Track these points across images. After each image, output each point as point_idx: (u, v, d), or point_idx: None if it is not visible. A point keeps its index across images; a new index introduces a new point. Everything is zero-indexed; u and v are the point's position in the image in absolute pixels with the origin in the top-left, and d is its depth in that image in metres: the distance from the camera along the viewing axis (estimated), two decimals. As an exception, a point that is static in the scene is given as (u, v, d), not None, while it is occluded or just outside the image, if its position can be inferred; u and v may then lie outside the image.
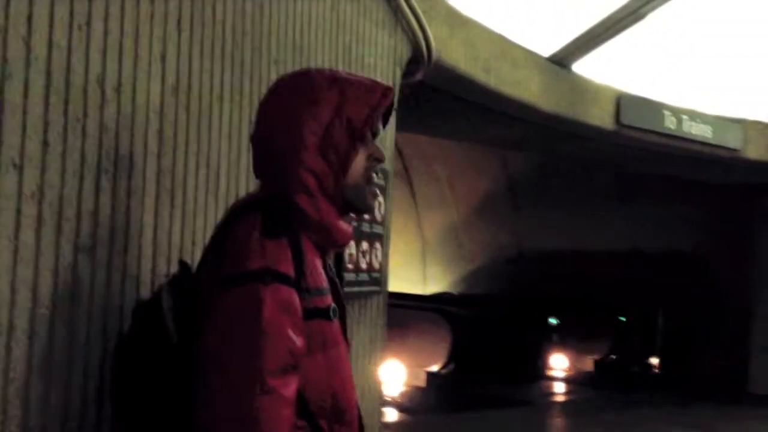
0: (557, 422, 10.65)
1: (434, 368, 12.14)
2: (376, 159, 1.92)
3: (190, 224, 2.59)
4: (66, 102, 1.83)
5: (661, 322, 13.98)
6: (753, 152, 10.08)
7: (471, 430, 8.95)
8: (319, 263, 1.84)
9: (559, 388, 12.93)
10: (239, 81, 3.04)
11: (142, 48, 2.27)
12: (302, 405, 1.73)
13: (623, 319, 14.21)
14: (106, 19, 2.05)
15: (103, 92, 2.03)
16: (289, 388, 1.67)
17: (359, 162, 1.87)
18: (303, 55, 3.73)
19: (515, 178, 15.50)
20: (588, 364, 14.19)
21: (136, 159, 2.23)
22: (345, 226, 1.91)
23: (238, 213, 1.82)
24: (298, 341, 1.69)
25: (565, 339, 13.76)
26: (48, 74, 1.75)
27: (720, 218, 13.13)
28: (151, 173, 2.32)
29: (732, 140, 9.71)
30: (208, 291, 1.74)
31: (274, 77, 3.36)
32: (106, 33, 2.05)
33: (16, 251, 1.62)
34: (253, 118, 3.13)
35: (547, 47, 7.76)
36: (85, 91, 1.93)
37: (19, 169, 1.63)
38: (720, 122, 9.61)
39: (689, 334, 13.30)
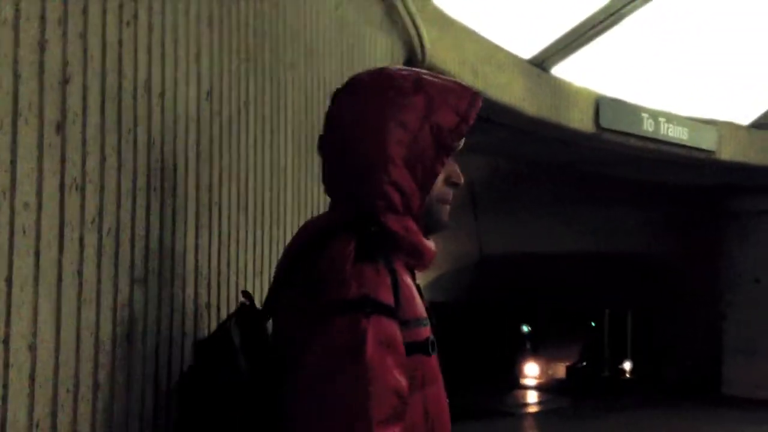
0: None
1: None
2: (453, 183, 1.69)
3: (225, 244, 2.33)
4: (119, 110, 1.56)
5: (631, 326, 13.98)
6: (726, 153, 10.10)
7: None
8: (413, 286, 1.61)
9: (534, 397, 12.82)
10: (261, 86, 2.79)
11: (180, 48, 2.00)
12: None
13: (594, 324, 14.19)
14: (150, 14, 1.79)
15: (149, 98, 1.76)
16: None
17: (438, 181, 1.64)
18: (313, 58, 3.50)
19: (476, 183, 15.39)
20: (560, 370, 14.12)
21: (179, 174, 1.96)
22: (430, 244, 1.67)
23: (324, 235, 1.57)
24: (404, 382, 1.45)
25: (537, 346, 13.67)
26: (103, 77, 1.48)
27: (690, 220, 13.18)
28: (191, 189, 2.05)
29: (707, 142, 9.71)
30: (293, 322, 1.50)
31: (290, 82, 3.13)
32: (150, 30, 1.78)
33: (80, 289, 1.35)
34: (274, 126, 2.93)
35: (527, 50, 7.62)
36: (134, 97, 1.66)
37: (81, 191, 1.35)
38: (695, 124, 9.60)
39: (660, 337, 13.31)
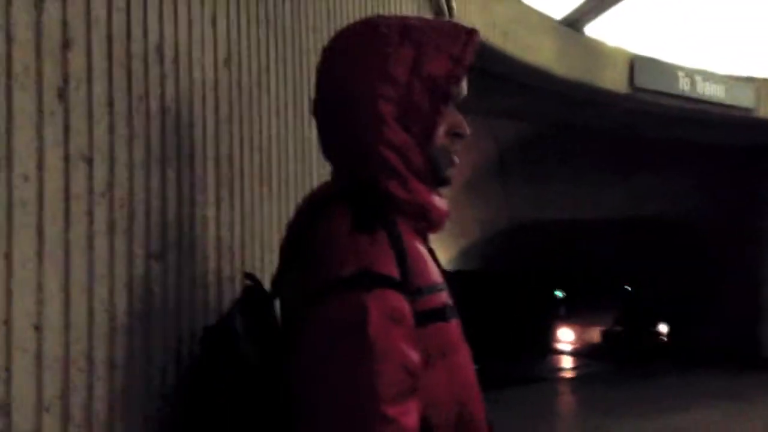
0: (577, 398, 10.42)
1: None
2: (456, 134, 1.56)
3: (248, 217, 2.26)
4: (129, 76, 1.48)
5: (667, 288, 13.77)
6: (764, 111, 9.84)
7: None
8: (425, 252, 1.51)
9: (569, 362, 12.73)
10: (282, 50, 2.69)
11: (195, 10, 1.91)
12: (425, 428, 1.40)
13: (628, 288, 14.01)
14: (160, -26, 1.70)
15: (161, 64, 1.68)
16: (412, 415, 1.34)
17: (440, 133, 1.52)
18: (336, 22, 3.39)
19: (506, 150, 15.19)
20: (595, 335, 14.00)
21: (196, 144, 1.88)
22: (440, 202, 1.56)
23: (319, 208, 1.48)
24: (414, 355, 1.35)
25: (571, 312, 13.54)
26: (109, 41, 1.40)
27: (726, 181, 12.91)
28: (210, 161, 1.98)
29: (744, 99, 9.46)
30: (296, 305, 1.42)
31: (313, 47, 3.03)
32: (161, -9, 1.70)
33: (91, 265, 1.28)
34: (297, 93, 2.84)
35: (558, 10, 7.43)
36: (145, 63, 1.58)
37: (89, 162, 1.28)
38: (733, 82, 9.35)
39: (696, 300, 13.11)
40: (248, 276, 1.62)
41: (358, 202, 1.43)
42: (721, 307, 13.00)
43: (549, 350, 13.28)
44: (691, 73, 8.82)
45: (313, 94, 1.64)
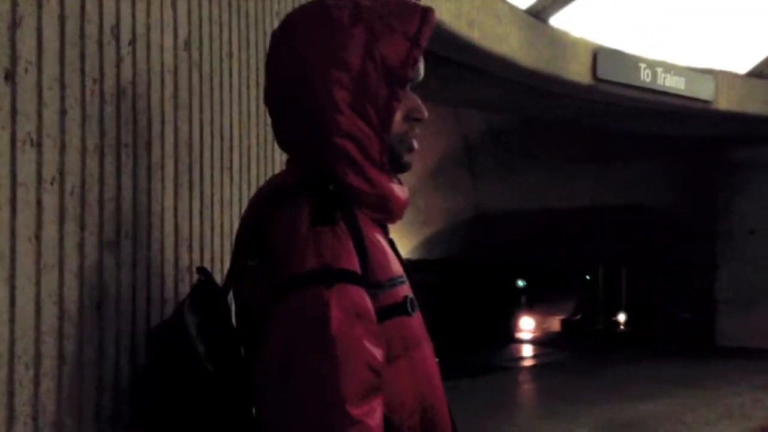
0: (537, 386, 10.50)
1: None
2: (415, 119, 1.50)
3: (208, 206, 2.20)
4: (82, 58, 1.42)
5: (626, 278, 13.93)
6: (723, 103, 9.95)
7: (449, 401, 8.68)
8: (385, 244, 1.46)
9: (530, 351, 12.82)
10: (245, 34, 2.63)
11: (154, -8, 1.85)
12: (387, 427, 1.35)
13: (589, 277, 14.14)
14: (117, -47, 1.63)
15: (117, 46, 1.61)
16: (376, 414, 1.30)
17: (397, 119, 1.45)
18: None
19: (471, 138, 15.21)
20: (555, 324, 14.12)
21: (154, 129, 1.82)
22: (400, 191, 1.50)
23: (277, 199, 1.41)
24: (378, 353, 1.31)
25: (532, 301, 13.63)
26: (62, 21, 1.34)
27: (685, 172, 13.07)
28: (169, 146, 1.92)
29: (704, 91, 9.56)
30: (255, 301, 1.37)
31: (276, 31, 2.97)
32: (118, -29, 1.63)
33: (39, 255, 1.22)
34: (261, 78, 2.78)
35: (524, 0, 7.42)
36: (100, 44, 1.52)
37: (38, 147, 1.22)
38: (693, 74, 9.44)
39: (654, 289, 13.29)
40: (200, 270, 1.55)
41: (317, 194, 1.37)
42: (680, 296, 13.19)
43: (510, 339, 13.34)
44: (652, 65, 8.89)
45: (263, 82, 1.58)
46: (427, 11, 1.46)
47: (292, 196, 1.39)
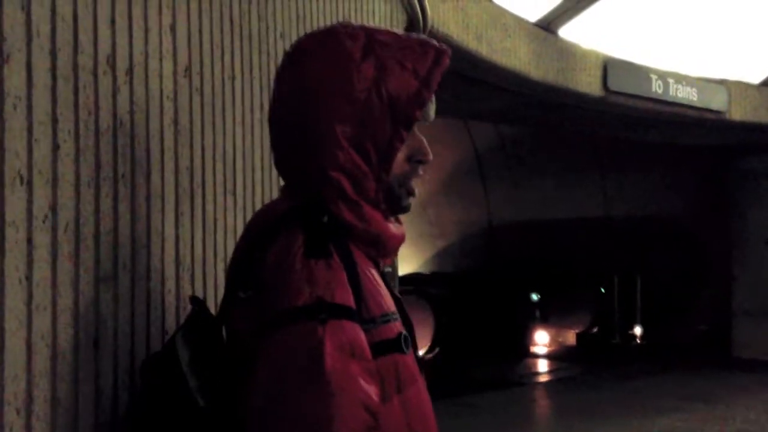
0: (553, 402, 10.39)
1: (420, 352, 11.73)
2: (418, 161, 1.45)
3: (210, 231, 2.17)
4: (75, 91, 1.39)
5: (641, 290, 13.78)
6: (736, 113, 9.86)
7: (463, 419, 8.62)
8: (378, 277, 1.41)
9: (545, 366, 12.69)
10: (248, 57, 2.61)
11: (151, 17, 1.82)
12: None
13: (603, 290, 14.00)
14: (112, -18, 1.61)
15: (114, 75, 1.59)
16: None
17: (399, 159, 1.41)
18: (306, 27, 3.30)
19: (482, 150, 15.14)
20: (570, 338, 13.99)
21: (153, 157, 1.79)
22: (396, 229, 1.46)
23: (270, 229, 1.36)
24: (373, 392, 1.26)
25: (547, 314, 13.50)
26: (53, 55, 1.31)
27: (700, 182, 12.97)
28: (169, 174, 1.89)
29: (717, 102, 9.47)
30: (246, 334, 1.31)
31: (280, 53, 2.94)
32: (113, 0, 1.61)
33: (30, 296, 1.19)
34: (265, 100, 2.75)
35: (533, 12, 7.38)
36: (94, 75, 1.49)
37: (28, 184, 1.19)
38: (705, 84, 9.36)
39: (670, 300, 13.15)
40: (192, 300, 1.51)
41: (310, 225, 1.33)
42: (696, 307, 13.07)
43: (525, 354, 13.22)
44: (663, 76, 8.81)
45: (270, 101, 1.55)
46: (440, 53, 1.42)
47: (285, 225, 1.34)
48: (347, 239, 1.35)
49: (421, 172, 1.47)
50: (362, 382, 1.24)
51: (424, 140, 1.46)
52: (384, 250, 1.44)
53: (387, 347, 1.34)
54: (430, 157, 1.46)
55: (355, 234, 1.38)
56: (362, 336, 1.27)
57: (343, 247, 1.32)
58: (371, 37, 1.40)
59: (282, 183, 1.57)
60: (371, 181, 1.37)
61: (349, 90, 1.35)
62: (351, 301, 1.28)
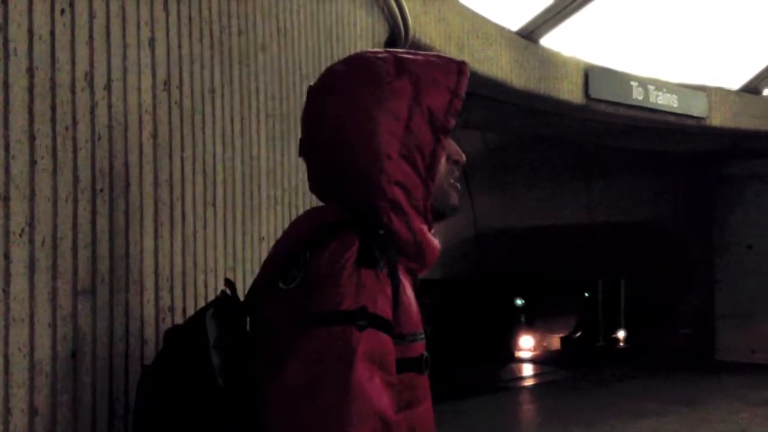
0: (538, 406, 10.44)
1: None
2: (455, 162, 1.57)
3: (190, 243, 2.19)
4: (53, 107, 1.42)
5: (624, 294, 13.88)
6: (716, 119, 9.96)
7: (449, 424, 8.65)
8: (413, 297, 1.47)
9: (530, 370, 12.75)
10: (228, 70, 2.63)
11: (129, 33, 1.85)
12: None
13: (587, 294, 14.09)
14: (90, 0, 1.64)
15: (92, 91, 1.62)
16: None
17: (441, 164, 1.52)
18: (287, 39, 3.33)
19: (470, 159, 15.22)
20: (555, 342, 14.07)
21: (131, 171, 1.82)
22: (435, 242, 1.55)
23: (320, 234, 1.41)
24: (390, 406, 1.32)
25: (532, 319, 13.57)
26: (31, 73, 1.34)
27: (681, 187, 13.08)
28: (147, 187, 1.91)
29: (697, 108, 9.56)
30: (280, 321, 1.36)
31: (261, 65, 2.97)
32: (91, 17, 1.64)
33: (7, 309, 1.22)
34: (245, 114, 2.78)
35: (514, 21, 7.45)
36: (72, 92, 1.52)
37: (5, 200, 1.22)
38: (685, 91, 9.45)
39: (653, 305, 13.24)
40: (227, 282, 1.54)
41: (366, 235, 1.39)
42: (678, 312, 13.15)
43: (509, 358, 13.28)
44: (644, 83, 8.89)
45: (300, 135, 1.59)
46: (461, 65, 1.53)
47: (340, 232, 1.40)
48: (397, 255, 1.41)
49: (456, 173, 1.58)
50: (383, 394, 1.29)
51: (454, 143, 1.56)
52: (424, 261, 1.51)
53: (409, 365, 1.40)
54: (464, 157, 1.58)
55: (404, 247, 1.45)
56: (392, 350, 1.33)
57: (392, 262, 1.38)
58: (399, 57, 1.50)
59: (270, 192, 1.60)
60: (420, 188, 1.46)
61: (393, 106, 1.44)
62: (390, 315, 1.34)
